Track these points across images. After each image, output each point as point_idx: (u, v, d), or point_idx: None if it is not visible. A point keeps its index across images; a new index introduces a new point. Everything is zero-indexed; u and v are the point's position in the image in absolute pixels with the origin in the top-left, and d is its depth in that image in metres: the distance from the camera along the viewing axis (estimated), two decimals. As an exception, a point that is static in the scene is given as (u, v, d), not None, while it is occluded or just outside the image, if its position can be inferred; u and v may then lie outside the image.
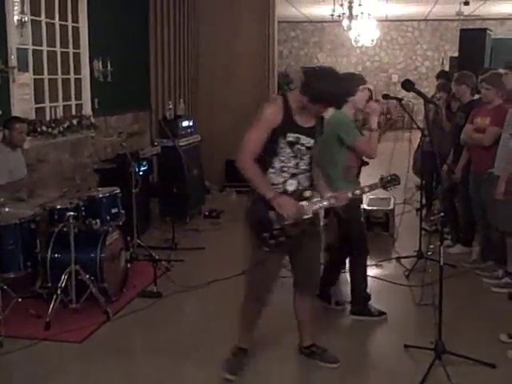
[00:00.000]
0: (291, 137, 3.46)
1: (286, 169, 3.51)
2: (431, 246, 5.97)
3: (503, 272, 5.34)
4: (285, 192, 3.48)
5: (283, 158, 3.49)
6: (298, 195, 3.52)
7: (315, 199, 3.55)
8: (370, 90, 4.65)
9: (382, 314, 4.78)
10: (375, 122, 4.49)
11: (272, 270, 3.72)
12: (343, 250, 4.88)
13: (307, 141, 3.49)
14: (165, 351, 4.19)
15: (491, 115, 5.42)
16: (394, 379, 3.83)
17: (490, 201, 5.24)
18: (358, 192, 3.68)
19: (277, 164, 3.50)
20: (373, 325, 4.69)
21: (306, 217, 3.51)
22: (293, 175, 3.52)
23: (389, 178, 3.64)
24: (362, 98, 4.53)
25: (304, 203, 3.51)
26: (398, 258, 6.15)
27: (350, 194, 3.61)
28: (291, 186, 3.52)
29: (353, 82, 4.52)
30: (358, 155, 4.61)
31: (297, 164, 3.52)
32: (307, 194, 3.53)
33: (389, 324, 4.70)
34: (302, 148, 3.50)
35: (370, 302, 4.83)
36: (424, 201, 6.85)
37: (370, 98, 4.64)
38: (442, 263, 3.91)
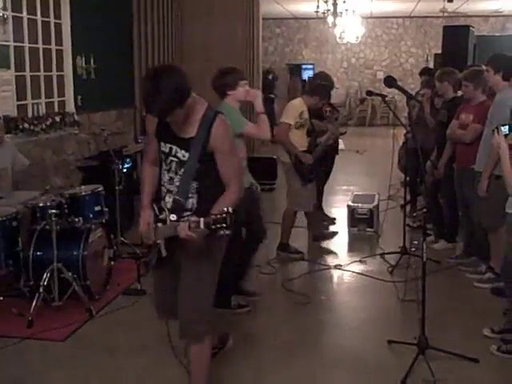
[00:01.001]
0: (164, 147, 3.05)
1: (163, 183, 3.09)
2: (415, 242, 5.99)
3: (486, 267, 5.37)
4: (165, 210, 3.00)
5: (163, 171, 3.10)
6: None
7: (170, 224, 2.94)
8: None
9: (242, 306, 4.77)
10: (259, 104, 4.64)
11: (156, 287, 3.34)
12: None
13: (181, 154, 2.99)
14: (148, 349, 4.17)
15: (474, 112, 5.45)
16: (378, 374, 3.84)
17: (472, 197, 5.26)
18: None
19: (161, 176, 3.11)
20: (356, 320, 4.71)
21: (159, 241, 2.98)
22: (168, 191, 3.05)
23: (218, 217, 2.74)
24: (242, 91, 4.62)
25: (160, 225, 3.00)
26: (382, 254, 6.16)
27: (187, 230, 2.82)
28: (168, 203, 3.03)
29: (233, 75, 4.62)
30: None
31: (171, 179, 3.05)
32: (172, 217, 2.93)
33: (372, 319, 4.71)
34: (175, 160, 3.01)
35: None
36: (408, 197, 6.87)
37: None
38: (424, 259, 3.93)
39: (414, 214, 7.13)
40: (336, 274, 5.74)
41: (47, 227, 4.65)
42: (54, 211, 4.55)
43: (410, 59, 19.84)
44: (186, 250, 3.03)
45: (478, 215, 5.26)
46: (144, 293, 5.04)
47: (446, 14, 15.54)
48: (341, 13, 13.76)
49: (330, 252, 6.46)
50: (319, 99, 6.17)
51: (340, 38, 16.71)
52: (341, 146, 8.15)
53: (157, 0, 8.65)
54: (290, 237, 6.20)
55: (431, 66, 12.68)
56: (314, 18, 16.92)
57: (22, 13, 6.28)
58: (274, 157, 9.98)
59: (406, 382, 3.66)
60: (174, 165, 3.02)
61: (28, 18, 6.39)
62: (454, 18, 16.98)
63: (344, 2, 13.10)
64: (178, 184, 3.01)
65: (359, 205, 7.07)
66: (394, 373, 3.75)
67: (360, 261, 5.97)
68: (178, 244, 2.95)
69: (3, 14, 5.95)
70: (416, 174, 7.26)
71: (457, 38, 9.14)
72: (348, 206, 7.11)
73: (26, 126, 6.10)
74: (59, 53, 6.92)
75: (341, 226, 7.27)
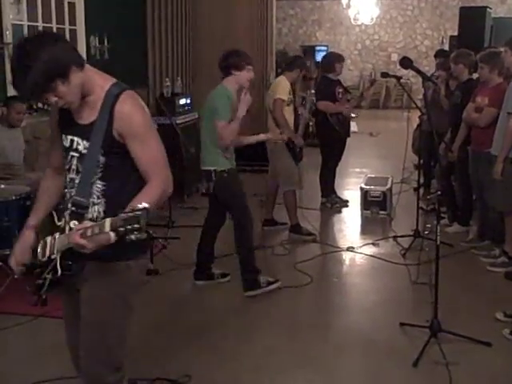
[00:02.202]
0: (65, 140, 2.42)
1: (65, 189, 2.49)
2: (428, 225, 5.97)
3: (500, 251, 5.34)
4: (65, 216, 2.39)
5: (65, 172, 2.48)
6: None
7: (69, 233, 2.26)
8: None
9: (272, 283, 4.80)
10: (243, 110, 4.63)
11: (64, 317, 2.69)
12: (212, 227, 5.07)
13: (82, 145, 2.36)
14: (160, 327, 4.20)
15: (490, 95, 5.39)
16: (390, 357, 3.84)
17: (487, 181, 5.23)
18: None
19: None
20: (368, 302, 4.71)
21: (53, 256, 2.32)
22: (70, 197, 2.41)
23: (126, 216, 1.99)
24: (246, 76, 4.68)
25: (57, 235, 2.34)
26: (395, 237, 6.14)
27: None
28: (66, 210, 2.41)
29: (241, 57, 4.72)
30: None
31: (71, 181, 2.42)
32: (73, 224, 2.28)
33: (385, 302, 4.71)
34: (76, 155, 2.39)
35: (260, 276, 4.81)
36: (422, 180, 6.84)
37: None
38: (438, 242, 3.91)
39: (428, 197, 7.09)
40: (348, 256, 5.74)
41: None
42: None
43: (425, 41, 19.63)
44: (84, 272, 2.36)
45: (493, 199, 5.23)
46: (157, 273, 5.07)
47: (462, -4, 15.36)
48: (356, -7, 13.66)
49: (343, 234, 6.46)
50: (299, 71, 6.26)
51: (354, 19, 16.57)
52: (354, 128, 8.11)
53: (171, -20, 8.59)
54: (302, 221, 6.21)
55: (446, 48, 12.56)
56: (328, -1, 16.78)
57: (35, -8, 6.26)
58: (287, 138, 9.97)
59: (418, 364, 3.67)
60: (74, 161, 2.40)
61: (42, -2, 6.37)
62: (470, -1, 16.77)
63: (359, -18, 12.99)
64: (77, 182, 2.38)
65: (372, 187, 7.05)
66: (406, 355, 3.76)
67: (373, 243, 5.96)
68: (75, 261, 2.29)
69: (17, -7, 5.93)
70: (430, 157, 7.22)
71: (473, 19, 9.03)
72: (361, 189, 7.08)
73: (40, 105, 6.10)
74: (73, 32, 6.90)
75: (353, 209, 7.25)
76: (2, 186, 4.59)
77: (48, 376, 3.50)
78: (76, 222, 2.26)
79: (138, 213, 1.96)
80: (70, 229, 2.27)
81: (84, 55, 6.96)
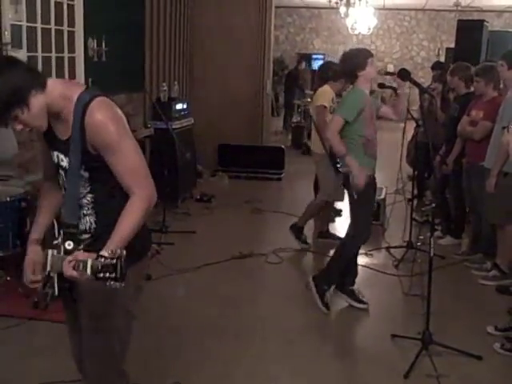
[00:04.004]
0: (52, 156, 2.35)
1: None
2: (421, 237, 5.98)
3: (492, 264, 5.37)
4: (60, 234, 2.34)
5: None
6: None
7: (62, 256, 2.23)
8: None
9: (328, 308, 4.64)
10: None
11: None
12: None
13: (66, 162, 2.29)
14: (153, 333, 4.19)
15: (485, 108, 5.42)
16: (381, 368, 3.84)
17: (481, 193, 5.25)
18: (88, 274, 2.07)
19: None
20: (360, 313, 4.71)
21: (52, 274, 2.30)
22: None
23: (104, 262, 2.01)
24: (372, 70, 4.54)
25: (55, 253, 2.29)
26: (388, 248, 6.16)
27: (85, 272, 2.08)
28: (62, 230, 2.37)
29: (359, 55, 4.54)
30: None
31: (63, 197, 2.40)
32: (68, 245, 2.24)
33: (377, 313, 4.72)
34: (62, 173, 2.34)
35: (331, 290, 4.74)
36: (416, 191, 6.86)
37: None
38: (431, 254, 3.92)
39: (423, 209, 7.10)
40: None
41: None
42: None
43: (421, 52, 19.75)
44: (81, 294, 2.35)
45: (486, 212, 5.25)
46: (149, 278, 5.05)
47: (459, 8, 15.44)
48: (353, 3, 13.70)
49: (336, 244, 6.45)
50: (344, 82, 6.12)
51: (352, 28, 16.62)
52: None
53: (170, -16, 8.62)
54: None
55: (442, 59, 12.62)
56: (326, 8, 16.85)
57: (35, -7, 6.25)
58: (282, 146, 10.00)
59: (408, 376, 3.68)
60: (61, 179, 2.36)
61: (41, -1, 6.36)
62: (467, 12, 16.86)
63: (357, -8, 13.04)
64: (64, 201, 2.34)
65: (366, 197, 7.05)
66: (397, 367, 3.77)
67: (366, 253, 5.96)
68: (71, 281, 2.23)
69: (16, -6, 5.92)
70: (424, 169, 7.24)
71: (470, 32, 9.08)
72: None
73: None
74: (71, 34, 6.88)
75: (347, 218, 7.25)
76: (-3, 187, 4.58)
77: (37, 380, 3.47)
78: (71, 243, 2.23)
79: (113, 261, 1.97)
80: (65, 250, 2.23)
81: (82, 57, 6.96)
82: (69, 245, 2.23)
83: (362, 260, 5.81)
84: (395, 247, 6.11)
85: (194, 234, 6.45)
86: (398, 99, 4.79)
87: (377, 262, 5.82)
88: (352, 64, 4.50)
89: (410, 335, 4.06)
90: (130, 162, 2.22)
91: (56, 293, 2.26)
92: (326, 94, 5.96)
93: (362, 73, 4.46)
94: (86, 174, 2.26)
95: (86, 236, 2.32)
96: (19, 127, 2.15)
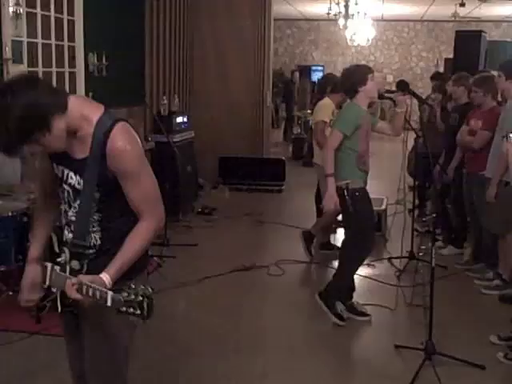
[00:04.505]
0: (57, 170, 2.33)
1: (61, 216, 2.42)
2: (423, 247, 5.99)
3: (494, 274, 5.36)
4: (65, 252, 2.33)
5: (60, 200, 2.41)
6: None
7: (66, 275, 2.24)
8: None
9: (342, 319, 4.61)
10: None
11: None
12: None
13: (76, 180, 2.27)
14: (154, 346, 4.19)
15: (484, 118, 5.44)
16: (384, 379, 3.84)
17: (481, 203, 5.26)
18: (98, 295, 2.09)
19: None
20: (363, 324, 4.70)
21: (54, 289, 2.32)
22: (66, 224, 2.38)
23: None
24: (373, 86, 4.54)
25: (58, 270, 2.28)
26: (390, 259, 6.16)
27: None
28: (64, 236, 2.40)
29: (359, 71, 4.56)
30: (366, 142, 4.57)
31: (65, 212, 2.38)
32: (74, 265, 2.26)
33: (379, 324, 4.71)
34: (67, 189, 2.32)
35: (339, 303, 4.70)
36: (416, 201, 6.86)
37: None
38: (433, 264, 3.92)
39: (424, 219, 7.11)
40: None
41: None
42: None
43: (420, 63, 19.81)
44: (84, 312, 2.31)
45: (487, 221, 5.25)
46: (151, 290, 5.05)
47: (457, 19, 15.51)
48: (352, 15, 13.74)
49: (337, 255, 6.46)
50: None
51: (351, 40, 16.69)
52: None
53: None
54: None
55: (441, 70, 12.66)
56: (324, 20, 16.93)
57: (35, 9, 6.29)
58: (283, 158, 10.02)
59: (412, 386, 3.67)
60: (66, 194, 2.33)
61: (41, 14, 6.40)
62: (465, 22, 16.93)
63: (356, 4, 13.08)
64: (73, 219, 2.33)
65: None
66: (401, 378, 3.76)
67: (368, 264, 5.94)
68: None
69: (17, 10, 5.96)
70: (425, 179, 7.26)
71: (469, 42, 9.11)
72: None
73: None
74: (71, 49, 6.92)
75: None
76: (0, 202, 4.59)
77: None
78: (77, 264, 2.25)
79: (139, 298, 1.97)
80: (71, 269, 2.24)
81: (82, 72, 7.00)
82: (75, 265, 2.24)
83: (363, 271, 5.81)
84: (397, 258, 6.10)
85: (195, 247, 6.45)
86: (396, 117, 4.77)
87: (379, 272, 5.81)
88: (353, 79, 4.51)
89: (413, 345, 4.05)
90: (144, 190, 2.26)
91: (59, 310, 2.29)
92: (325, 107, 5.98)
93: (363, 88, 4.47)
94: (97, 195, 2.27)
95: (90, 251, 2.32)
96: (38, 149, 2.16)
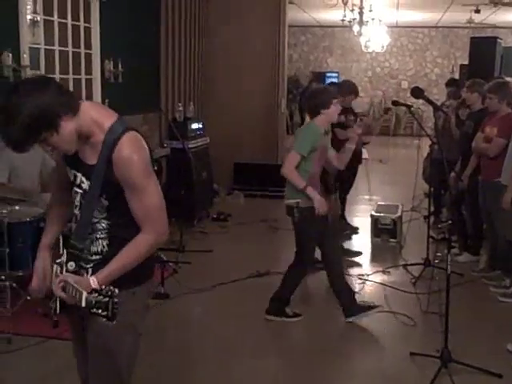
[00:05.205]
0: (70, 173, 2.38)
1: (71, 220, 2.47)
2: (438, 254, 5.96)
3: (510, 281, 5.33)
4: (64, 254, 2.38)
5: (73, 205, 2.44)
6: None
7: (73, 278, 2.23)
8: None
9: (297, 315, 4.81)
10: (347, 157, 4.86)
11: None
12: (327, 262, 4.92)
13: (86, 184, 2.32)
14: (170, 351, 4.20)
15: (498, 125, 5.42)
16: (400, 386, 3.83)
17: (497, 210, 5.23)
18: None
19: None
20: (378, 331, 4.69)
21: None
22: (71, 229, 2.45)
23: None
24: (334, 111, 4.65)
25: (59, 271, 2.36)
26: (405, 265, 6.14)
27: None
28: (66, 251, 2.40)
29: (326, 94, 4.67)
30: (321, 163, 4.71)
31: (75, 216, 2.41)
32: (70, 266, 2.31)
33: (394, 331, 4.70)
34: (79, 192, 2.36)
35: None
36: (432, 208, 6.84)
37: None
38: (449, 271, 3.91)
39: (439, 226, 7.08)
40: (358, 283, 5.72)
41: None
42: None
43: (435, 69, 19.73)
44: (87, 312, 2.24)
45: (502, 228, 5.23)
46: (167, 296, 5.08)
47: (472, 25, 15.45)
48: (367, 22, 13.72)
49: (353, 261, 6.45)
50: (343, 98, 6.17)
51: (365, 46, 16.67)
52: (364, 155, 8.14)
53: (185, 6, 8.71)
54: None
55: (456, 76, 12.62)
56: (339, 27, 16.89)
57: (53, 16, 6.36)
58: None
59: (428, 394, 3.65)
60: (77, 197, 2.37)
61: (59, 22, 6.47)
62: (480, 28, 16.87)
63: (370, 10, 13.07)
64: (76, 223, 2.38)
65: (382, 215, 7.05)
66: (417, 385, 3.74)
67: (383, 271, 5.95)
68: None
69: (34, 17, 6.03)
70: (440, 186, 7.23)
71: (484, 49, 9.10)
72: (371, 216, 7.09)
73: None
74: (88, 56, 6.99)
75: (363, 236, 7.25)
76: (17, 208, 4.64)
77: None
78: (73, 264, 2.29)
79: (105, 299, 2.02)
80: (67, 270, 2.29)
81: (99, 79, 7.06)
82: (71, 266, 2.29)
83: (379, 278, 5.81)
84: (412, 264, 6.08)
85: (210, 253, 6.47)
86: (345, 151, 4.88)
87: (394, 279, 5.79)
88: (318, 100, 4.61)
89: (429, 353, 4.04)
90: (146, 203, 2.26)
91: (58, 311, 2.32)
92: None
93: (325, 111, 4.58)
94: (106, 202, 2.30)
95: (96, 257, 2.34)
96: (48, 148, 2.19)
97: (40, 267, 2.44)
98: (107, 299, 2.01)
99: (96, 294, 2.03)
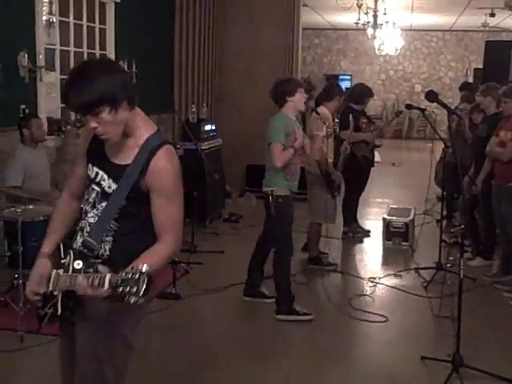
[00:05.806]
0: (90, 170, 2.40)
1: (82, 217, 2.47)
2: (451, 258, 5.94)
3: (523, 286, 5.31)
4: (70, 254, 2.33)
5: (84, 201, 2.46)
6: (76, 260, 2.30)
7: (71, 275, 2.25)
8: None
9: (306, 314, 4.84)
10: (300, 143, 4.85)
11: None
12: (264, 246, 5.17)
13: (107, 183, 2.34)
14: (181, 352, 4.22)
15: (513, 129, 5.39)
16: (411, 390, 3.81)
17: (510, 214, 5.21)
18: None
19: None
20: (389, 335, 4.68)
21: (55, 293, 2.29)
22: (80, 229, 2.43)
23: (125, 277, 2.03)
24: (301, 99, 4.87)
25: (61, 272, 2.30)
26: (417, 269, 6.11)
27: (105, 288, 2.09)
28: (76, 242, 2.41)
29: (291, 83, 4.93)
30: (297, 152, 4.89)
31: (85, 213, 2.42)
32: (77, 264, 2.25)
33: (406, 335, 4.68)
34: (97, 190, 2.37)
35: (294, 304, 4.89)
36: (445, 212, 6.82)
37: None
38: (461, 276, 3.89)
39: (452, 230, 7.06)
40: (369, 286, 5.71)
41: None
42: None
43: (449, 73, 19.67)
44: (84, 314, 2.32)
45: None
46: (179, 297, 5.10)
47: (487, 29, 15.38)
48: (381, 25, 13.69)
49: (364, 264, 6.44)
50: (339, 97, 6.18)
51: (379, 49, 16.64)
52: (377, 158, 8.13)
53: (199, 8, 8.74)
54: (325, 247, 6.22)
55: (470, 80, 12.58)
56: (353, 29, 16.90)
57: (68, 18, 6.41)
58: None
59: (439, 399, 3.64)
60: (93, 195, 2.37)
61: (74, 23, 6.52)
62: (494, 32, 16.79)
63: (384, 14, 13.05)
64: (91, 221, 2.36)
65: (395, 218, 7.03)
66: (427, 389, 3.73)
67: (395, 274, 5.94)
68: (75, 301, 2.27)
69: (50, 18, 6.08)
70: (453, 189, 7.20)
71: (499, 53, 9.08)
72: (383, 219, 7.07)
73: (69, 128, 6.21)
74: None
75: (375, 239, 7.24)
76: (30, 207, 4.67)
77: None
78: (80, 263, 2.26)
79: (136, 276, 1.98)
80: (74, 269, 2.25)
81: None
82: (78, 264, 2.26)
83: (390, 281, 5.80)
84: (424, 268, 6.06)
85: (222, 254, 6.48)
86: (313, 139, 5.34)
87: (406, 283, 5.78)
88: (283, 88, 4.84)
89: (440, 357, 4.02)
90: (173, 213, 2.33)
91: (59, 311, 2.27)
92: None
93: (292, 99, 4.80)
94: (124, 203, 2.31)
95: (97, 261, 2.32)
96: (94, 125, 2.21)
97: (38, 272, 2.38)
98: (137, 275, 1.98)
99: (123, 274, 2.00)
